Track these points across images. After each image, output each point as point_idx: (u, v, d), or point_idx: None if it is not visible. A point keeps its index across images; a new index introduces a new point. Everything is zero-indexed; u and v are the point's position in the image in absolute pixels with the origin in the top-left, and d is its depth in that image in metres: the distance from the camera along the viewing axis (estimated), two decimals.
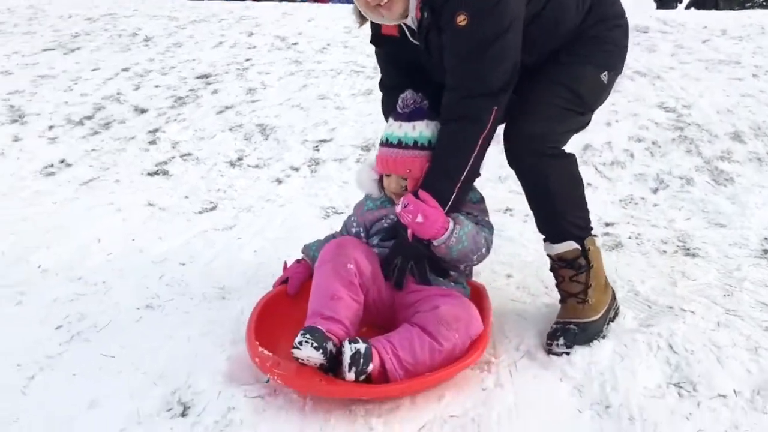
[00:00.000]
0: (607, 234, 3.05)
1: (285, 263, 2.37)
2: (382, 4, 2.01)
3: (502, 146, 2.17)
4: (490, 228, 2.22)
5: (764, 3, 17.01)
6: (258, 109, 5.00)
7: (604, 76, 2.17)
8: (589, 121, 2.28)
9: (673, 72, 5.45)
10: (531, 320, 2.29)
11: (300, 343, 1.79)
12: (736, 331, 2.17)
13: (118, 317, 2.38)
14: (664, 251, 2.86)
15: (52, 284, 2.63)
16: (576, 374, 1.98)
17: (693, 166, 3.83)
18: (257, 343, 1.94)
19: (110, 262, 2.83)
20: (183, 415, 1.87)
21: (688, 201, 3.43)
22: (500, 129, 2.15)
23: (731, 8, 13.29)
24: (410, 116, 2.17)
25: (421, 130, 2.14)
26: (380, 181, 2.28)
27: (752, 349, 2.08)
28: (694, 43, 6.34)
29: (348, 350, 1.78)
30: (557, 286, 2.23)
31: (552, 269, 2.24)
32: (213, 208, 3.46)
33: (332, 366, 1.83)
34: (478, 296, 2.20)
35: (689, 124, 4.37)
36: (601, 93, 2.22)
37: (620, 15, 2.24)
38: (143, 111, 5.05)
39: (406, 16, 2.07)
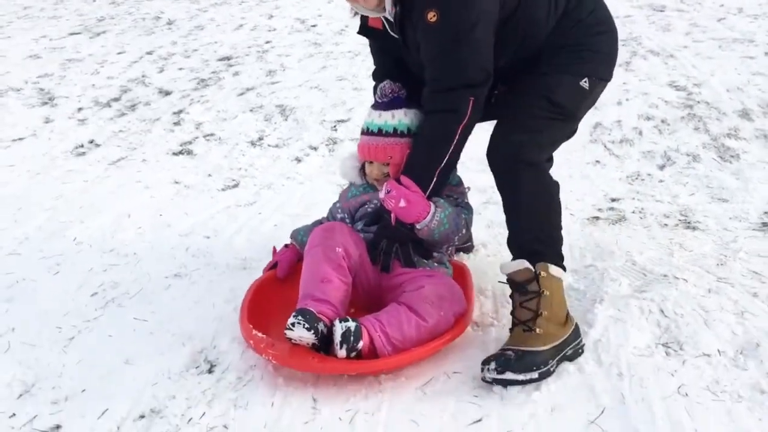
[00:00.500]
0: (611, 209, 3.17)
1: (274, 248, 2.48)
2: None
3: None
4: (469, 209, 2.34)
5: None
6: (278, 90, 5.15)
7: (585, 83, 2.19)
8: (576, 129, 2.31)
9: (686, 51, 5.51)
10: None
11: (293, 324, 1.90)
12: (725, 297, 2.31)
13: (148, 285, 2.57)
14: (666, 224, 2.98)
15: (86, 256, 2.83)
16: None
17: (700, 143, 3.92)
18: (251, 326, 2.05)
19: (140, 236, 3.02)
20: (209, 371, 2.06)
21: (693, 177, 3.53)
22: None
23: None
24: (389, 105, 2.28)
25: (400, 118, 2.25)
26: (362, 168, 2.38)
27: (739, 313, 2.21)
28: (709, 21, 6.37)
29: (339, 329, 1.90)
30: (511, 313, 2.10)
31: (510, 295, 2.15)
32: (235, 186, 3.63)
33: (324, 345, 1.95)
34: (461, 275, 2.31)
35: (699, 102, 4.44)
36: (582, 100, 2.24)
37: (603, 22, 2.26)
38: (167, 93, 5.23)
39: (385, 9, 2.15)
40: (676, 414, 1.79)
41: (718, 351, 2.03)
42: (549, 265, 2.11)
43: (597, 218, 3.05)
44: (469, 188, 2.48)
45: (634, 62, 5.23)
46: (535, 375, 1.92)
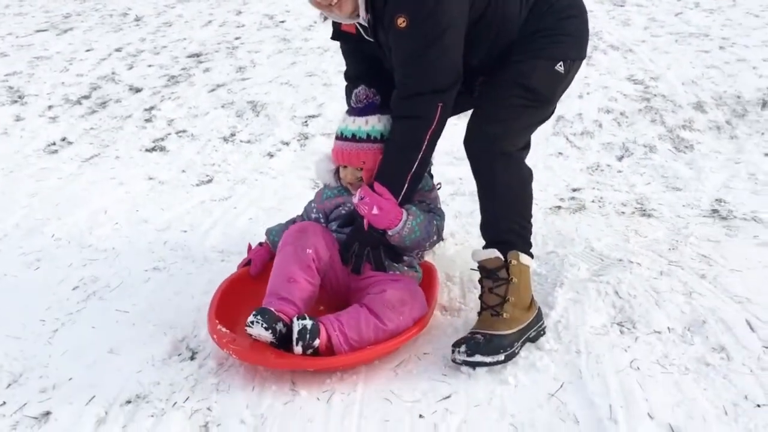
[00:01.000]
0: (573, 198, 3.33)
1: (249, 245, 2.54)
2: (332, 3, 2.12)
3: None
4: (441, 215, 2.40)
5: None
6: (248, 86, 5.23)
7: (560, 67, 2.21)
8: (553, 111, 2.36)
9: (645, 45, 5.70)
10: None
11: (252, 322, 1.98)
12: (675, 279, 2.47)
13: (128, 279, 2.65)
14: (623, 212, 3.15)
15: (65, 251, 2.90)
16: None
17: (657, 134, 4.10)
18: (216, 321, 2.12)
19: (117, 231, 3.09)
20: (191, 359, 2.16)
21: (650, 167, 3.70)
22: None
23: None
24: (363, 111, 2.32)
25: (374, 124, 2.30)
26: (337, 171, 2.44)
27: (687, 294, 2.38)
28: (667, 16, 6.59)
29: (296, 326, 1.97)
30: (479, 297, 2.21)
31: (479, 281, 2.24)
32: (209, 181, 3.72)
33: (284, 343, 2.01)
34: (429, 277, 2.39)
35: (655, 95, 4.63)
36: (558, 84, 2.26)
37: (573, 5, 2.29)
38: (138, 90, 5.27)
39: (359, 16, 2.18)
40: (628, 386, 1.94)
41: (668, 328, 2.19)
42: (519, 253, 2.21)
43: (559, 207, 3.20)
44: (440, 184, 2.54)
45: (594, 56, 5.41)
46: (501, 357, 2.04)
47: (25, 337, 2.29)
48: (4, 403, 1.97)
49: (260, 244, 2.52)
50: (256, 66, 5.70)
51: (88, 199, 3.46)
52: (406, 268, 2.33)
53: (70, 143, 4.37)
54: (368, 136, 2.30)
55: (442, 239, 2.73)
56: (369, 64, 2.43)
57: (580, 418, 1.83)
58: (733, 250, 2.70)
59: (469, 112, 2.35)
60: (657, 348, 2.10)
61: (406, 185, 2.21)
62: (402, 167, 2.21)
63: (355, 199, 2.22)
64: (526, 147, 2.34)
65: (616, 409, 1.85)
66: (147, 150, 4.22)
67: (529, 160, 2.38)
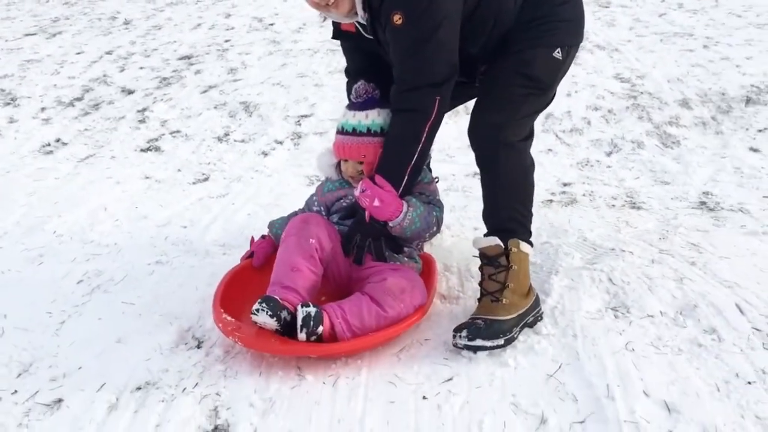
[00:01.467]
0: (564, 192, 3.41)
1: (252, 238, 2.58)
2: (330, 3, 2.18)
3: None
4: (440, 207, 2.46)
5: None
6: (240, 87, 5.27)
7: (558, 53, 2.26)
8: (553, 97, 2.40)
9: (630, 45, 5.81)
10: None
11: (257, 310, 2.02)
12: (666, 266, 2.55)
13: (132, 272, 2.69)
14: (613, 205, 3.23)
15: (68, 247, 2.93)
16: None
17: (644, 131, 4.19)
18: (222, 310, 2.16)
19: (118, 227, 3.13)
20: (198, 347, 2.21)
21: (638, 162, 3.79)
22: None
23: None
24: (363, 105, 2.38)
25: (374, 118, 2.35)
26: (338, 165, 2.49)
27: (678, 280, 2.46)
28: (651, 17, 6.71)
29: (300, 313, 2.02)
30: (479, 284, 2.27)
31: (479, 268, 2.30)
32: (206, 179, 3.76)
33: (288, 330, 2.05)
34: (428, 267, 2.44)
35: (642, 93, 4.73)
36: (557, 70, 2.31)
37: None
38: (130, 92, 5.31)
39: (357, 14, 2.24)
40: (624, 366, 2.01)
41: (661, 312, 2.26)
42: (520, 241, 2.27)
43: (551, 201, 3.28)
44: (437, 179, 2.60)
45: (581, 56, 5.50)
46: (501, 341, 2.10)
47: (32, 328, 2.32)
48: (16, 391, 2.01)
49: (263, 236, 2.57)
50: (248, 68, 5.75)
51: (87, 198, 3.50)
52: (406, 259, 2.38)
53: (64, 144, 4.40)
54: (368, 130, 2.35)
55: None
56: (369, 61, 2.48)
57: (578, 397, 1.90)
58: (721, 239, 2.79)
59: (469, 111, 2.41)
60: (651, 331, 2.17)
61: (406, 177, 2.27)
62: (402, 160, 2.27)
63: (357, 192, 2.28)
64: (530, 136, 2.39)
65: (613, 387, 1.91)
66: (142, 150, 4.26)
67: None
